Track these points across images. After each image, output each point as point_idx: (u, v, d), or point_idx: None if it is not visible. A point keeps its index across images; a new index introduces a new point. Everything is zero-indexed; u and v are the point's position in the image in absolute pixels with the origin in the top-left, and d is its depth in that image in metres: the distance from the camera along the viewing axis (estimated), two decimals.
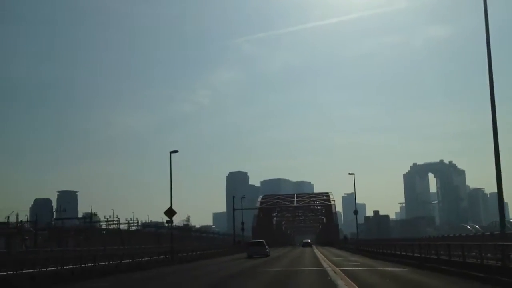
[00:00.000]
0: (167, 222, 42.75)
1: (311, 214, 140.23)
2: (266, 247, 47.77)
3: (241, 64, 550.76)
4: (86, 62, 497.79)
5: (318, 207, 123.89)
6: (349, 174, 59.06)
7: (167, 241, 51.40)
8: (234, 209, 77.22)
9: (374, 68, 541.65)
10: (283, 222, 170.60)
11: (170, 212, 41.93)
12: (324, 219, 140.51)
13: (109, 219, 69.30)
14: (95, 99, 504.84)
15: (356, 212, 59.22)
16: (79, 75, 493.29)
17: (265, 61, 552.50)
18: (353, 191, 61.35)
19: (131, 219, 74.00)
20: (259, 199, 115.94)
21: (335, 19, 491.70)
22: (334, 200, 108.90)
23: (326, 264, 30.67)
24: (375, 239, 74.05)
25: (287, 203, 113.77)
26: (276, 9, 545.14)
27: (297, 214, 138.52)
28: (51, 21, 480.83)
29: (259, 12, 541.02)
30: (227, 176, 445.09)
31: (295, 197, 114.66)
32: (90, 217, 69.99)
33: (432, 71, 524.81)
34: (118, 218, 69.18)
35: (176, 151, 43.03)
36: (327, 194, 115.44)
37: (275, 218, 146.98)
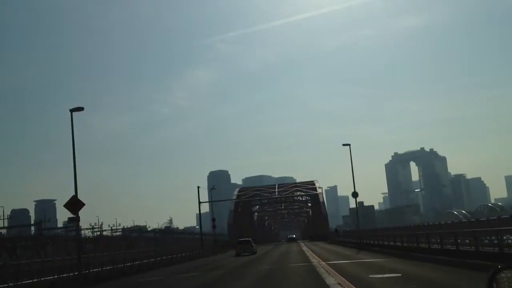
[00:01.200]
0: (70, 220, 26.14)
1: (296, 206, 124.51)
2: (253, 245, 50.14)
3: (217, 63, 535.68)
4: (63, 64, 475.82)
5: (303, 198, 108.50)
6: (344, 145, 45.20)
7: (142, 246, 46.68)
8: (199, 203, 60.61)
9: (350, 61, 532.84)
10: (266, 218, 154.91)
11: (73, 205, 25.63)
12: (310, 212, 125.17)
13: (94, 226, 68.00)
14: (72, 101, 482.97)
15: (355, 195, 43.56)
16: (55, 78, 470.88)
17: (241, 59, 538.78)
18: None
19: (114, 225, 72.58)
20: (235, 192, 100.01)
21: (307, 14, 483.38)
22: (321, 188, 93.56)
23: (334, 279, 14.83)
24: (376, 229, 58.27)
25: (267, 195, 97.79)
26: (248, 6, 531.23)
27: (280, 208, 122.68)
28: (33, 22, 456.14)
29: (231, 10, 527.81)
30: (208, 176, 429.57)
31: (276, 188, 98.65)
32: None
33: (407, 61, 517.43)
34: (102, 224, 69.16)
35: (81, 109, 27.06)
36: (312, 183, 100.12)
37: (256, 214, 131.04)
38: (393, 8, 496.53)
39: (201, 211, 67.71)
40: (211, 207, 74.64)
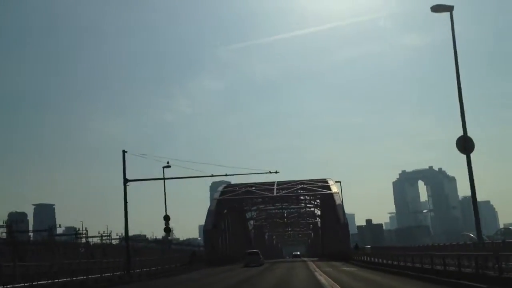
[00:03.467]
0: None
1: (301, 211, 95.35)
2: (260, 257, 51.40)
3: (221, 73, 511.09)
4: (62, 68, 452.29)
5: (310, 203, 79.55)
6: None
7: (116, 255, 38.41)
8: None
9: (355, 77, 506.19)
10: (267, 228, 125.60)
11: None
12: (319, 222, 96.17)
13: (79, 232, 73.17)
14: (72, 105, 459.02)
15: None
16: (55, 81, 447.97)
17: (247, 69, 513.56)
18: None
19: (104, 232, 75.79)
20: (220, 188, 71.10)
21: (312, 29, 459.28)
22: (337, 184, 64.74)
23: None
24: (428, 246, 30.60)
25: (263, 193, 68.38)
26: (254, 19, 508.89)
27: (279, 211, 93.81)
28: (25, 25, 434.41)
29: (237, 22, 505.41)
30: (210, 186, 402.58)
31: (275, 186, 69.46)
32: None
33: (413, 79, 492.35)
34: (87, 231, 74.76)
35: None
36: (324, 181, 70.88)
37: (252, 222, 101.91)
38: (397, 26, 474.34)
39: (202, 223, 61.94)
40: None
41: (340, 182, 62.89)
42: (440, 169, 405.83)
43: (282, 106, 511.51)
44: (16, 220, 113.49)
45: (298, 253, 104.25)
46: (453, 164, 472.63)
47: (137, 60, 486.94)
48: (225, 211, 70.75)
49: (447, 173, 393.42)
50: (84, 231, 75.99)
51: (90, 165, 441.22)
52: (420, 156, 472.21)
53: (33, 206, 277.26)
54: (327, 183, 68.64)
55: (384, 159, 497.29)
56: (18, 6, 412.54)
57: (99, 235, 74.86)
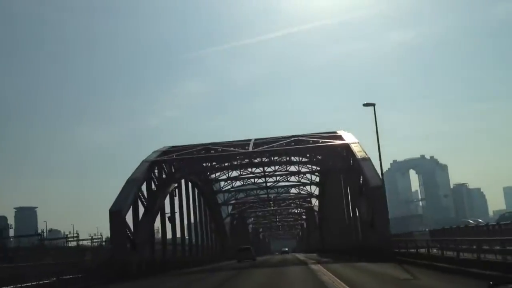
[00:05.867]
0: None
1: (295, 192, 66.53)
2: (253, 252, 51.60)
3: (205, 76, 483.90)
4: (48, 75, 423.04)
5: (312, 156, 49.14)
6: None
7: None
8: None
9: (343, 75, 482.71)
10: (251, 217, 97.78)
11: None
12: (315, 205, 68.34)
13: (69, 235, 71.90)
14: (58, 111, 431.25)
15: None
16: (40, 88, 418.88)
17: (232, 71, 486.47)
18: None
19: (95, 234, 75.77)
20: (161, 149, 42.06)
21: (298, 27, 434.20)
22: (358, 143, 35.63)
23: None
24: None
25: (234, 150, 39.31)
26: (238, 20, 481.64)
27: (262, 191, 65.09)
28: (12, 33, 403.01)
29: (220, 23, 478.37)
30: None
31: (252, 145, 40.61)
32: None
33: (402, 74, 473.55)
34: (78, 234, 75.23)
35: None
36: (331, 135, 41.72)
37: (229, 208, 73.66)
38: (384, 23, 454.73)
39: None
40: None
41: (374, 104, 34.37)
42: (432, 157, 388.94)
43: (268, 106, 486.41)
44: None
45: (286, 249, 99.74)
46: (445, 153, 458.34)
47: (120, 66, 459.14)
48: (175, 187, 42.29)
49: (439, 161, 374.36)
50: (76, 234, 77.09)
51: (75, 171, 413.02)
52: (411, 147, 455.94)
53: (14, 210, 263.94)
54: (336, 134, 40.04)
55: (375, 151, 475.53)
56: (5, 13, 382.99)
57: (90, 237, 77.67)
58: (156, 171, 38.25)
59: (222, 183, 64.05)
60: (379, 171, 29.67)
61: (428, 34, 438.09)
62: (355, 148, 33.81)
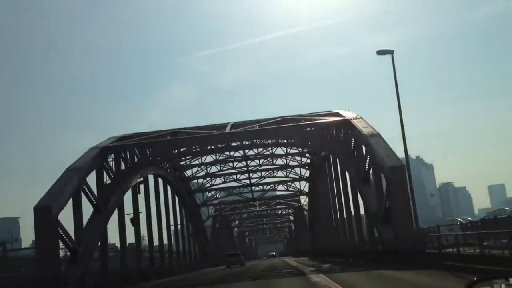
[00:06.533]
0: None
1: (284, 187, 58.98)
2: (241, 257, 51.84)
3: (191, 82, 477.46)
4: (32, 82, 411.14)
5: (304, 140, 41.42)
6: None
7: None
8: None
9: (326, 79, 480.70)
10: (236, 220, 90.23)
11: None
12: (305, 202, 60.99)
13: None
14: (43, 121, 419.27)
15: None
16: (24, 96, 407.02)
17: (215, 76, 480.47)
18: None
19: None
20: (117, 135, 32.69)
21: (280, 32, 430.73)
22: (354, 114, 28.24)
23: None
24: None
25: (208, 132, 31.85)
26: (220, 25, 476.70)
27: (243, 184, 57.53)
28: None
29: (205, 28, 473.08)
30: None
31: (229, 127, 33.22)
32: None
33: (386, 76, 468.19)
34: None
35: None
36: (329, 112, 34.12)
37: (211, 209, 65.86)
38: (366, 27, 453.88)
39: None
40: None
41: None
42: (417, 157, 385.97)
43: (255, 109, 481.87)
44: None
45: (274, 253, 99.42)
46: (430, 152, 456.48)
47: (106, 73, 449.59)
48: (138, 182, 34.48)
49: (425, 161, 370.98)
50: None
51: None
52: (397, 145, 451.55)
53: None
54: (340, 114, 32.39)
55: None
56: None
57: None
58: (111, 161, 30.40)
59: (200, 181, 56.34)
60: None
61: (406, 37, 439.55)
62: (359, 124, 26.42)
